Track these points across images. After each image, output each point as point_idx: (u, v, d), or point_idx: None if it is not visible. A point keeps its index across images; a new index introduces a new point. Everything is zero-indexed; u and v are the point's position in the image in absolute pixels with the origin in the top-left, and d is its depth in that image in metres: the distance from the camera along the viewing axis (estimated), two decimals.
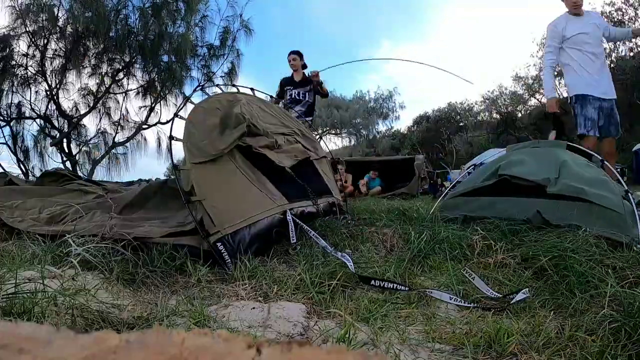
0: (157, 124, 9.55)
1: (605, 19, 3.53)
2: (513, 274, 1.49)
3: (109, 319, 1.01)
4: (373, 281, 1.40)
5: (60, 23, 7.49)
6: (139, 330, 0.22)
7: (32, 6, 7.23)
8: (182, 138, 1.79)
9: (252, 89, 2.56)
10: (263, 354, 0.21)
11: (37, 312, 0.95)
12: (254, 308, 1.15)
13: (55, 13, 7.33)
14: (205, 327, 0.99)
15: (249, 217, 1.73)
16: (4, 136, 8.17)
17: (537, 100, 17.19)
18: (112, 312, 1.06)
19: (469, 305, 1.26)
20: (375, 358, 0.22)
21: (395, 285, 1.39)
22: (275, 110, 2.61)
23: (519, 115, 17.22)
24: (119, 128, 9.42)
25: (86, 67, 8.25)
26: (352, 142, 19.64)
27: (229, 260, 1.58)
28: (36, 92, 8.17)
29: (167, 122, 9.09)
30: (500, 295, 1.31)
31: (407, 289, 1.36)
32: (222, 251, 1.58)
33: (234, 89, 2.39)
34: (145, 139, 9.96)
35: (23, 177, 6.84)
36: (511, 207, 2.07)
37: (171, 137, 1.80)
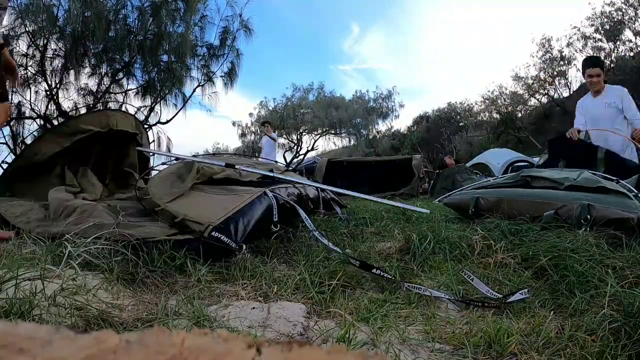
0: (157, 124, 9.55)
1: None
2: (513, 274, 1.49)
3: (109, 319, 1.01)
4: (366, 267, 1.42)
5: (59, 23, 7.48)
6: (139, 330, 0.22)
7: (31, 6, 7.23)
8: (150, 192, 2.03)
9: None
10: (263, 354, 0.21)
11: (37, 312, 0.95)
12: (254, 308, 1.15)
13: (55, 13, 7.33)
14: (205, 327, 0.99)
15: (232, 208, 1.80)
16: (4, 136, 8.16)
17: (537, 100, 17.19)
18: (112, 312, 1.06)
19: (463, 301, 1.26)
20: (375, 358, 0.22)
21: (381, 272, 1.43)
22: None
23: (519, 115, 17.21)
24: None
25: (86, 67, 8.25)
26: (352, 142, 19.63)
27: (229, 242, 1.60)
28: (36, 92, 8.16)
29: (167, 122, 9.07)
30: (500, 296, 1.31)
31: (391, 276, 1.41)
32: (221, 237, 1.61)
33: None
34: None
35: None
36: (527, 194, 2.12)
37: (137, 189, 2.16)
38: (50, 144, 2.65)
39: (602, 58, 14.41)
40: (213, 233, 1.61)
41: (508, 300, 1.23)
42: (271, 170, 2.70)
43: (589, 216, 1.79)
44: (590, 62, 3.41)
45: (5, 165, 3.61)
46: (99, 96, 8.68)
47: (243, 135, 19.01)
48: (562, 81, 16.34)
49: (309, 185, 2.67)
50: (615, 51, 14.41)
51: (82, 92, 8.70)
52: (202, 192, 2.09)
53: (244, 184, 2.31)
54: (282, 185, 2.31)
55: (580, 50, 15.18)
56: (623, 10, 13.95)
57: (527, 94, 17.21)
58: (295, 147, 17.76)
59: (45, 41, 7.69)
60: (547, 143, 3.98)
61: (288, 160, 14.99)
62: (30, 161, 2.64)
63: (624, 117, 3.21)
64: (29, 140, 8.57)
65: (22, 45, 7.66)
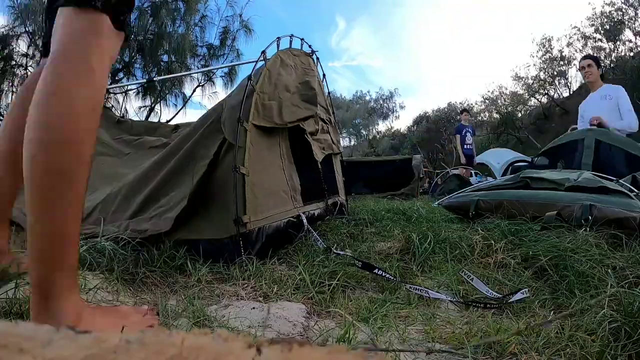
0: None
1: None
2: (513, 274, 1.49)
3: None
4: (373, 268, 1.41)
5: None
6: (139, 330, 0.22)
7: (31, 6, 7.23)
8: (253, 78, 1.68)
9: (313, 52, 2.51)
10: (263, 353, 0.21)
11: None
12: (254, 308, 1.15)
13: None
14: (205, 327, 0.99)
15: (270, 215, 1.72)
16: None
17: (537, 100, 17.19)
18: None
19: (465, 302, 1.26)
20: (375, 358, 0.22)
21: (384, 273, 1.43)
22: (322, 88, 2.59)
23: (519, 115, 17.22)
24: None
25: None
26: (352, 142, 19.65)
27: (247, 252, 1.56)
28: None
29: (167, 122, 9.08)
30: (500, 296, 1.31)
31: (392, 277, 1.42)
32: (252, 241, 1.58)
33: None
34: None
35: None
36: (528, 195, 2.12)
37: (249, 78, 1.70)
38: None
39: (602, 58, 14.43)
40: (244, 232, 1.53)
41: (509, 301, 1.23)
42: (330, 153, 2.49)
43: (590, 217, 1.79)
44: None
45: None
46: None
47: None
48: (562, 81, 16.36)
49: None
50: (615, 51, 14.42)
51: None
52: (278, 151, 1.82)
53: (303, 164, 2.08)
54: (314, 208, 2.15)
55: (580, 50, 15.18)
56: (623, 10, 13.97)
57: (527, 94, 17.22)
58: None
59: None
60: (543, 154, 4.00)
61: None
62: None
63: None
64: None
65: (22, 45, 7.67)
